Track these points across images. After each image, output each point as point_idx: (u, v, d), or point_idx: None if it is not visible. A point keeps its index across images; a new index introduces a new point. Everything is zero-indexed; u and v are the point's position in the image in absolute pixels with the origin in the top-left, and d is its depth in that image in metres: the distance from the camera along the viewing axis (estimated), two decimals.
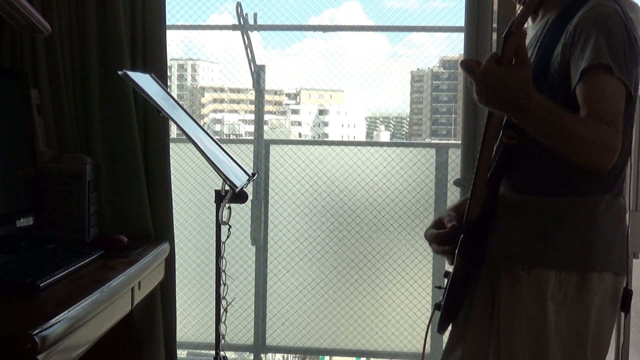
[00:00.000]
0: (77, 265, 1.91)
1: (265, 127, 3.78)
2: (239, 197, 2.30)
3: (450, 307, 1.74)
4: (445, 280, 1.76)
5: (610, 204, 1.58)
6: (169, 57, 2.69)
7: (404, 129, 5.61)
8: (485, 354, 1.67)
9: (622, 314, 2.15)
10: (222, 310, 2.39)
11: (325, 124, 5.71)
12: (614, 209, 1.59)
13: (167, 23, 2.67)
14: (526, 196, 1.61)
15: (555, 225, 1.57)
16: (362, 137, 5.72)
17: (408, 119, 5.49)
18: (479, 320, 1.69)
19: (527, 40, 1.69)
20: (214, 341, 2.44)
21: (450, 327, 1.78)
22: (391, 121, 5.64)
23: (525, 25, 1.72)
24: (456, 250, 1.66)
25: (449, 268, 1.75)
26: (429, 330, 1.93)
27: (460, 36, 2.92)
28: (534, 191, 1.60)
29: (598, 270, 1.56)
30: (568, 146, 1.43)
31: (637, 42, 1.51)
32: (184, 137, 2.30)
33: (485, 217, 1.62)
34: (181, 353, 3.68)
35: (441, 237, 1.71)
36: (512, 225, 1.62)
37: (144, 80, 2.32)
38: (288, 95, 5.52)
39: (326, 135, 5.63)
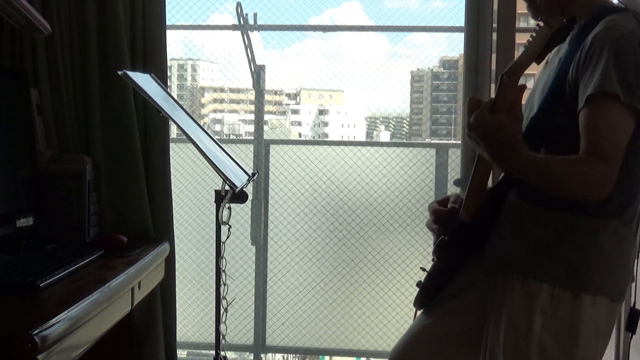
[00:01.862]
0: (77, 265, 1.91)
1: (265, 127, 3.78)
2: (239, 197, 2.30)
3: (429, 289, 1.79)
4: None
5: (617, 229, 1.55)
6: (169, 57, 2.69)
7: (404, 129, 5.61)
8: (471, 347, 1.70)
9: (622, 316, 2.14)
10: (222, 310, 2.39)
11: (325, 124, 5.71)
12: (620, 234, 1.56)
13: (167, 23, 2.67)
14: (531, 206, 1.59)
15: (557, 240, 1.56)
16: (362, 137, 5.72)
17: (408, 119, 5.49)
18: (469, 315, 1.73)
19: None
20: (214, 341, 2.44)
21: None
22: (391, 121, 5.63)
23: None
24: (433, 249, 1.70)
25: None
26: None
27: (460, 36, 2.92)
28: (538, 201, 1.58)
29: (592, 292, 1.55)
30: (555, 189, 1.48)
31: None
32: (184, 137, 2.30)
33: (477, 222, 1.63)
34: (181, 353, 3.67)
35: (437, 214, 1.74)
36: (514, 233, 1.62)
37: (144, 80, 2.32)
38: (288, 95, 5.52)
39: (326, 135, 5.63)
